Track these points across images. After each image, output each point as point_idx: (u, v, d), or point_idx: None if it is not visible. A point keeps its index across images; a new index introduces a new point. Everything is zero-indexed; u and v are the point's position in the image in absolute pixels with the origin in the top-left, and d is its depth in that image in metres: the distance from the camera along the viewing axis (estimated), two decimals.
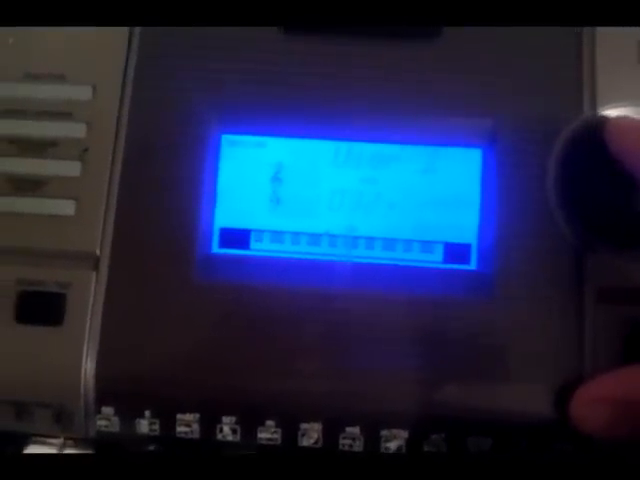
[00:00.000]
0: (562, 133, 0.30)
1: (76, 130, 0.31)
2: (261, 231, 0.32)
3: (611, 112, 0.30)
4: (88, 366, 0.29)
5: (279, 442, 0.29)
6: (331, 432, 0.29)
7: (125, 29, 0.32)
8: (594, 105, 0.31)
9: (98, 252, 0.30)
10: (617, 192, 0.29)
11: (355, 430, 0.29)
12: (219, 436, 0.29)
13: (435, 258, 0.31)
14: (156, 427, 0.30)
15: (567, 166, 0.30)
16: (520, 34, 0.31)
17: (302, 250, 0.32)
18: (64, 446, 0.32)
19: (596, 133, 0.29)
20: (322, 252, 0.32)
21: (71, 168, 0.31)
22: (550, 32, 0.31)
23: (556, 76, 0.31)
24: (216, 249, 0.32)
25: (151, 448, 0.31)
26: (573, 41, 0.31)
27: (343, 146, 0.32)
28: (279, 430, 0.29)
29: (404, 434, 0.29)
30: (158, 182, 0.31)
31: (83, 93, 0.31)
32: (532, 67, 0.31)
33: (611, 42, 0.31)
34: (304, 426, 0.29)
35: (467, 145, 0.32)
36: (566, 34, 0.32)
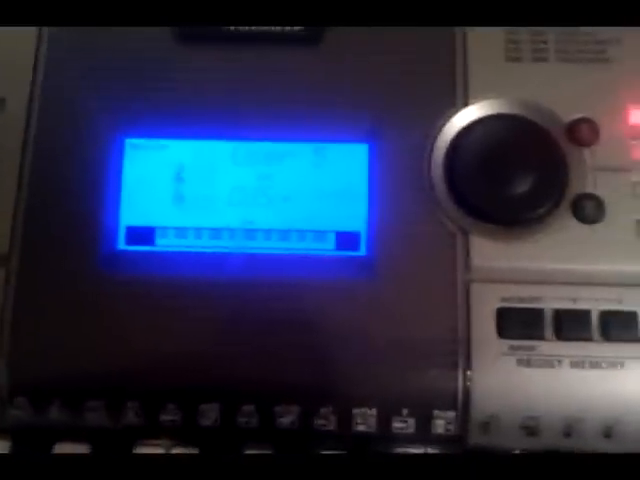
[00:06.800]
0: (444, 127, 0.33)
1: None
2: (165, 228, 0.34)
3: (481, 106, 0.33)
4: (1, 359, 0.31)
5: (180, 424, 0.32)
6: (229, 411, 0.31)
7: (33, 43, 0.34)
8: (466, 100, 0.33)
9: (7, 250, 0.32)
10: (495, 178, 0.32)
11: (251, 408, 0.31)
12: (125, 420, 0.31)
13: (327, 246, 0.34)
14: (65, 415, 0.32)
15: (451, 158, 0.32)
16: (396, 36, 0.34)
17: (204, 244, 0.34)
18: None
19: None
20: (223, 245, 0.34)
21: None
22: (424, 33, 0.34)
23: (431, 74, 0.34)
24: (123, 246, 0.34)
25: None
26: (446, 40, 0.34)
27: (240, 146, 0.35)
28: (179, 412, 0.31)
29: (296, 409, 0.31)
30: (65, 185, 0.33)
31: None
32: (408, 67, 0.34)
33: (481, 40, 0.34)
34: (203, 407, 0.31)
35: (354, 141, 0.34)
36: (440, 34, 0.34)
